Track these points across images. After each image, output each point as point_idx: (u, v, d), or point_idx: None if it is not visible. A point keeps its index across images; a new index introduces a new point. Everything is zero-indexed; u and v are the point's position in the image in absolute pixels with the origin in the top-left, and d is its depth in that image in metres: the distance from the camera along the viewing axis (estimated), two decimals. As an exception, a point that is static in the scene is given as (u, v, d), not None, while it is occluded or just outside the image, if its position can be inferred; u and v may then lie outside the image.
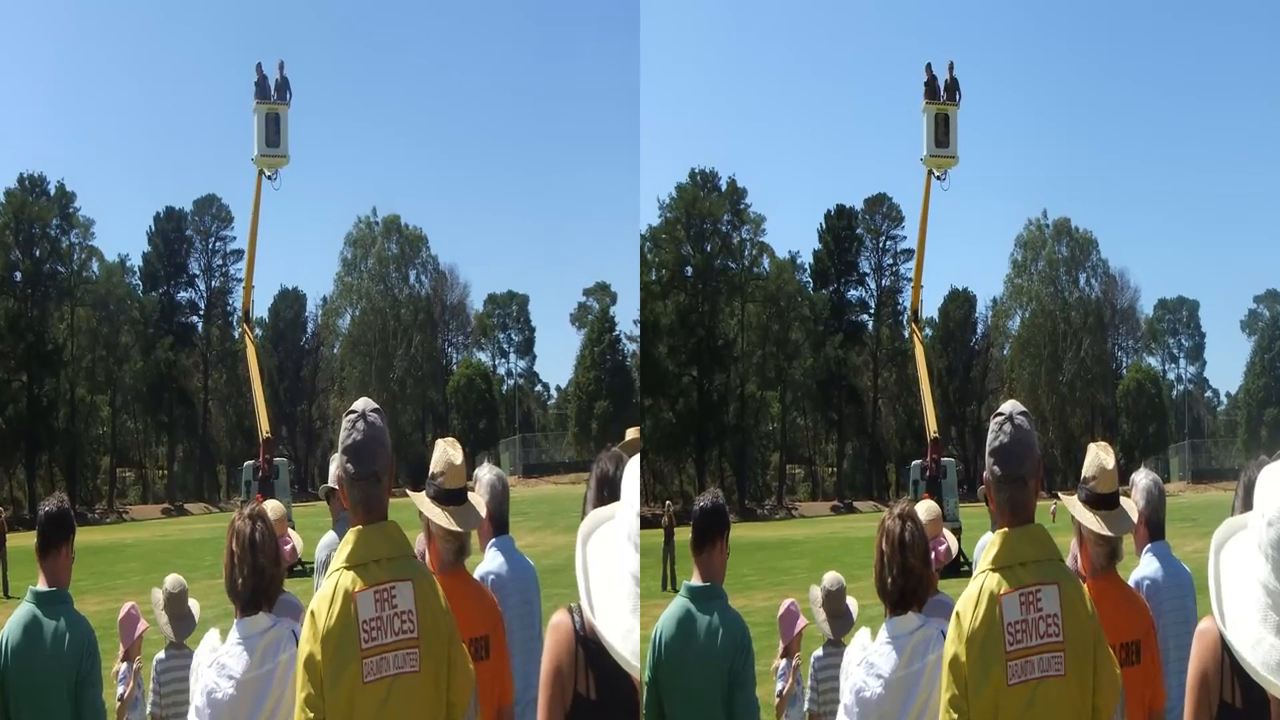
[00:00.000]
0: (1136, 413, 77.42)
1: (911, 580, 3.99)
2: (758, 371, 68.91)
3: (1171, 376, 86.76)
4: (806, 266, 74.13)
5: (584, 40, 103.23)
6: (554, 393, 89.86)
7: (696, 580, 4.70)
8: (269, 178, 35.37)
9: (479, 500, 4.53)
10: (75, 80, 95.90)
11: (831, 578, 7.28)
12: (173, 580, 7.07)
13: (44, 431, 64.11)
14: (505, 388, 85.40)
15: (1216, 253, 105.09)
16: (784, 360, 69.06)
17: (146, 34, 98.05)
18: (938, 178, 34.87)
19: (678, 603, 4.66)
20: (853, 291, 76.14)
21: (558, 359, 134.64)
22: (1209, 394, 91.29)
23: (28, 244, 65.76)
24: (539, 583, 5.42)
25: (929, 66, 34.65)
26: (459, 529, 4.36)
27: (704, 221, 68.04)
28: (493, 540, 5.35)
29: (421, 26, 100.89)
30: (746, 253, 70.17)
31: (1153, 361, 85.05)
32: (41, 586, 5.02)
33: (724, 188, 69.71)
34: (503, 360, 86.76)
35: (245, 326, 39.47)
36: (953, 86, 34.83)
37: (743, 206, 69.71)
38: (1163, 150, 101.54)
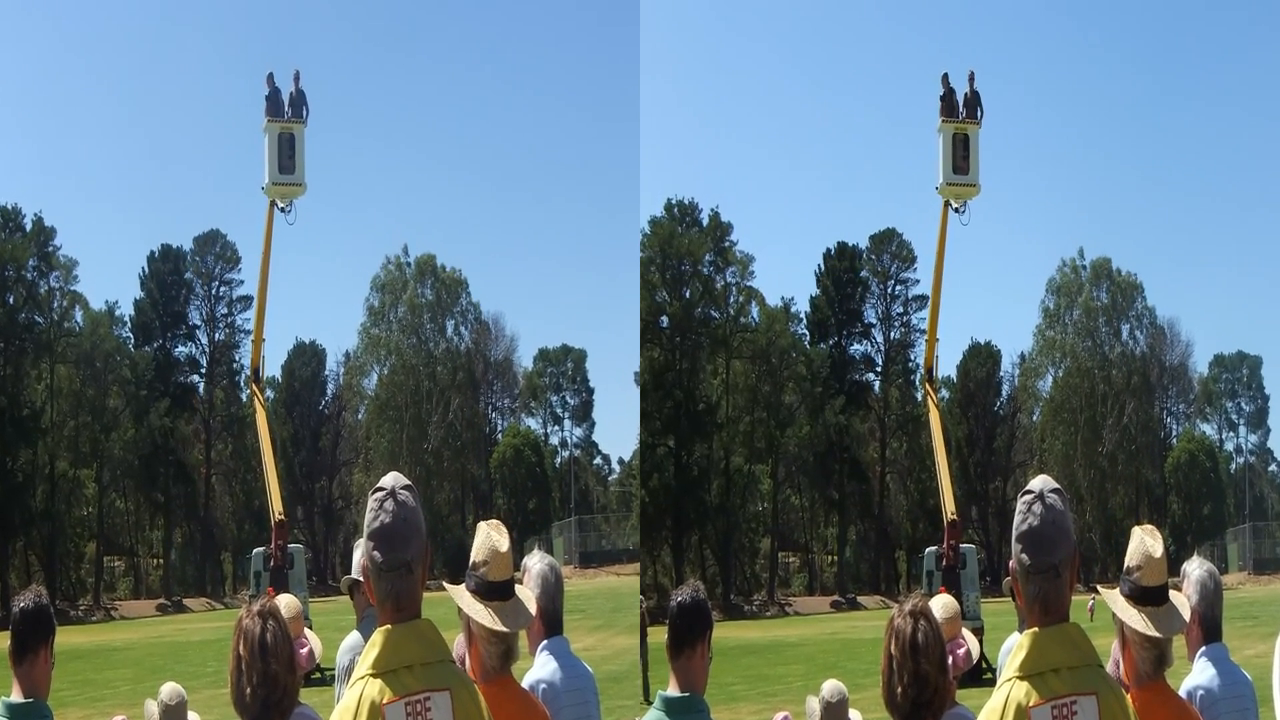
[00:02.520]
0: (1189, 490, 77.76)
1: (925, 690, 3.98)
2: (745, 441, 68.77)
3: (1230, 447, 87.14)
4: (802, 316, 74.20)
5: (584, 52, 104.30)
6: (615, 467, 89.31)
7: (673, 690, 4.67)
8: (282, 209, 35.00)
9: (528, 595, 4.52)
10: (54, 97, 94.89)
11: (831, 687, 7.29)
12: (170, 690, 6.92)
13: (18, 512, 63.25)
14: (559, 460, 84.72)
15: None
16: (776, 428, 69.01)
17: (137, 43, 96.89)
18: (956, 210, 35.17)
19: (652, 715, 4.62)
20: (856, 346, 76.33)
21: (620, 426, 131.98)
22: (1273, 468, 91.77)
23: (-1, 289, 65.57)
24: (598, 693, 5.39)
25: (945, 78, 34.97)
26: (505, 629, 4.38)
27: (682, 262, 68.04)
28: (544, 642, 5.33)
29: (459, 34, 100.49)
30: (732, 299, 70.10)
31: (1208, 429, 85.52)
32: (15, 698, 4.94)
33: (705, 222, 69.72)
34: (556, 428, 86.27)
35: (254, 387, 39.12)
36: (974, 102, 35.20)
37: (727, 244, 69.75)
38: (1221, 181, 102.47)
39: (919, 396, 76.27)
